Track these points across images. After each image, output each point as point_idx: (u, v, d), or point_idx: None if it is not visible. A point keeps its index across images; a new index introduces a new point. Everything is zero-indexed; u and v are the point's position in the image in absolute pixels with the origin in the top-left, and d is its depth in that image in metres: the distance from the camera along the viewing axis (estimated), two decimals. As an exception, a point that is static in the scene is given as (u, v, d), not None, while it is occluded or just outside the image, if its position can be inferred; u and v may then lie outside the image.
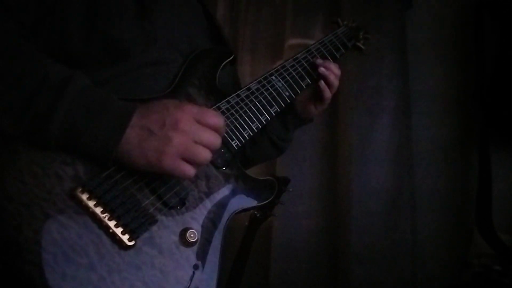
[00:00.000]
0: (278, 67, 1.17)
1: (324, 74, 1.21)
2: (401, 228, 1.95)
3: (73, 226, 0.76)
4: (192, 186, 0.92)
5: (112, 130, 0.79)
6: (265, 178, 1.06)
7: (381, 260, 1.95)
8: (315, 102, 1.27)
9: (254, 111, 1.06)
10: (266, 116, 1.08)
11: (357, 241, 1.98)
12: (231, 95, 1.04)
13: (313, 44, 1.27)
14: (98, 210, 0.79)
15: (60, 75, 0.79)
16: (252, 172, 1.05)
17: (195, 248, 0.87)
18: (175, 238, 0.86)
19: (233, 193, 0.98)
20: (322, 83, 1.22)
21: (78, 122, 0.77)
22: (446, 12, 2.03)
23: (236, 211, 0.98)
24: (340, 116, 2.14)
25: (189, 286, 0.84)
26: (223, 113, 1.00)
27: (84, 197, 0.78)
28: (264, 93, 1.10)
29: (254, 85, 1.10)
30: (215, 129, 0.85)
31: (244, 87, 1.09)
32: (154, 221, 0.84)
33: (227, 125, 0.99)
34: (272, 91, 1.11)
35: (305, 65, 1.21)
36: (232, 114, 1.02)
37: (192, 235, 0.86)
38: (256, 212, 1.74)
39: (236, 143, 1.01)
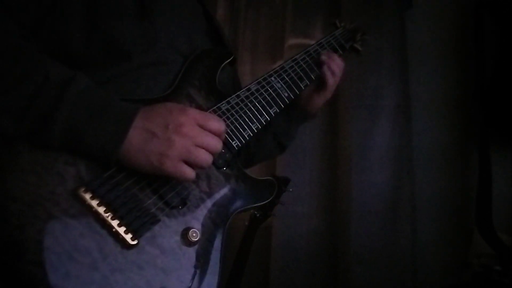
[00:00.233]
0: (277, 68, 1.18)
1: (326, 62, 1.24)
2: (401, 228, 1.96)
3: (76, 225, 0.77)
4: (193, 186, 0.92)
5: (115, 131, 0.79)
6: (265, 178, 1.06)
7: (381, 260, 1.95)
8: (318, 92, 1.29)
9: (254, 111, 1.07)
10: (266, 116, 1.08)
11: (357, 241, 1.99)
12: (231, 96, 1.05)
13: (312, 45, 1.29)
14: (101, 209, 0.79)
15: (62, 75, 0.79)
16: (252, 172, 1.05)
17: (196, 247, 0.87)
18: (177, 237, 0.86)
19: (234, 193, 0.98)
20: (326, 69, 1.25)
21: (81, 123, 0.78)
22: (446, 12, 2.03)
23: (237, 211, 0.98)
24: (340, 116, 2.15)
25: (191, 285, 0.84)
26: (223, 113, 1.01)
27: (87, 196, 0.78)
28: (263, 94, 1.10)
29: (253, 86, 1.10)
30: (217, 134, 0.87)
31: (244, 88, 1.09)
32: (156, 221, 0.85)
33: (228, 126, 1.00)
34: (272, 92, 1.12)
35: (304, 66, 1.22)
36: (232, 115, 1.02)
37: (194, 235, 0.86)
38: (256, 212, 1.74)
39: (236, 143, 1.01)
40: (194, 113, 0.85)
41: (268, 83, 1.13)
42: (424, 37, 2.07)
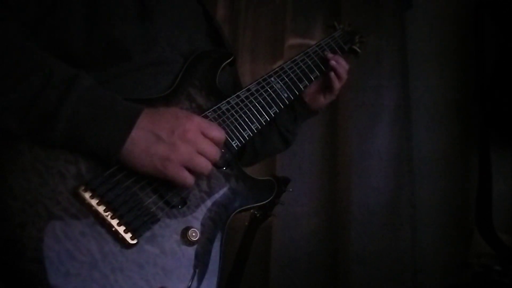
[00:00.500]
0: (277, 69, 1.19)
1: (334, 66, 1.28)
2: (401, 227, 1.95)
3: (76, 224, 0.77)
4: (193, 186, 0.92)
5: (118, 130, 0.80)
6: (265, 178, 1.07)
7: (381, 260, 1.95)
8: (324, 93, 1.33)
9: (254, 112, 1.07)
10: (265, 117, 1.09)
11: (357, 241, 1.99)
12: (231, 96, 1.05)
13: (311, 47, 1.30)
14: (101, 208, 0.79)
15: (65, 73, 0.80)
16: (252, 172, 1.05)
17: (196, 247, 0.87)
18: (177, 237, 0.86)
19: (234, 192, 0.99)
20: (332, 74, 1.28)
21: (84, 121, 0.78)
22: (446, 12, 2.03)
23: (237, 211, 0.99)
24: (340, 116, 2.15)
25: (190, 285, 0.84)
26: (223, 113, 1.01)
27: (87, 195, 0.79)
28: (263, 94, 1.11)
29: (253, 86, 1.11)
30: (216, 143, 0.89)
31: (244, 88, 1.10)
32: (156, 220, 0.85)
33: (228, 125, 1.01)
34: (271, 93, 1.13)
35: (303, 67, 1.23)
36: (232, 115, 1.03)
37: (193, 234, 0.87)
38: (256, 212, 1.75)
39: (236, 143, 1.02)
40: (199, 121, 0.87)
41: (268, 83, 1.13)
42: (424, 37, 2.07)
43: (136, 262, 0.80)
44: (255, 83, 1.12)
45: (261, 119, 1.08)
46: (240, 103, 1.05)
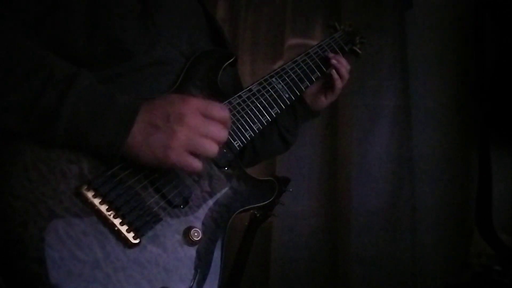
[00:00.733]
0: (278, 69, 1.19)
1: (336, 66, 1.28)
2: (401, 227, 1.96)
3: (78, 223, 0.77)
4: (195, 186, 0.92)
5: (119, 126, 0.79)
6: (266, 178, 1.06)
7: (381, 260, 1.95)
8: (326, 93, 1.33)
9: (255, 112, 1.07)
10: (267, 117, 1.09)
11: (357, 241, 1.99)
12: (232, 96, 1.05)
13: (312, 47, 1.30)
14: (104, 208, 0.79)
15: (65, 72, 0.79)
16: (252, 172, 1.05)
17: (198, 247, 0.87)
18: (179, 236, 0.86)
19: (235, 193, 0.99)
20: (334, 73, 1.29)
21: (85, 119, 0.78)
22: (446, 12, 2.03)
23: (238, 211, 0.98)
24: (340, 116, 2.15)
25: (192, 285, 0.84)
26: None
27: (90, 194, 0.78)
28: (265, 95, 1.11)
29: (255, 86, 1.11)
30: (222, 122, 0.85)
31: (245, 89, 1.10)
32: (158, 220, 0.85)
33: (229, 126, 1.00)
34: (273, 93, 1.13)
35: (304, 67, 1.23)
36: (234, 115, 1.02)
37: (195, 234, 0.86)
38: (256, 212, 1.75)
39: (238, 144, 1.02)
40: (195, 102, 0.83)
41: (269, 84, 1.14)
42: (424, 37, 2.07)
43: (138, 262, 0.80)
44: (256, 83, 1.12)
45: (262, 120, 1.08)
46: (242, 103, 1.06)
